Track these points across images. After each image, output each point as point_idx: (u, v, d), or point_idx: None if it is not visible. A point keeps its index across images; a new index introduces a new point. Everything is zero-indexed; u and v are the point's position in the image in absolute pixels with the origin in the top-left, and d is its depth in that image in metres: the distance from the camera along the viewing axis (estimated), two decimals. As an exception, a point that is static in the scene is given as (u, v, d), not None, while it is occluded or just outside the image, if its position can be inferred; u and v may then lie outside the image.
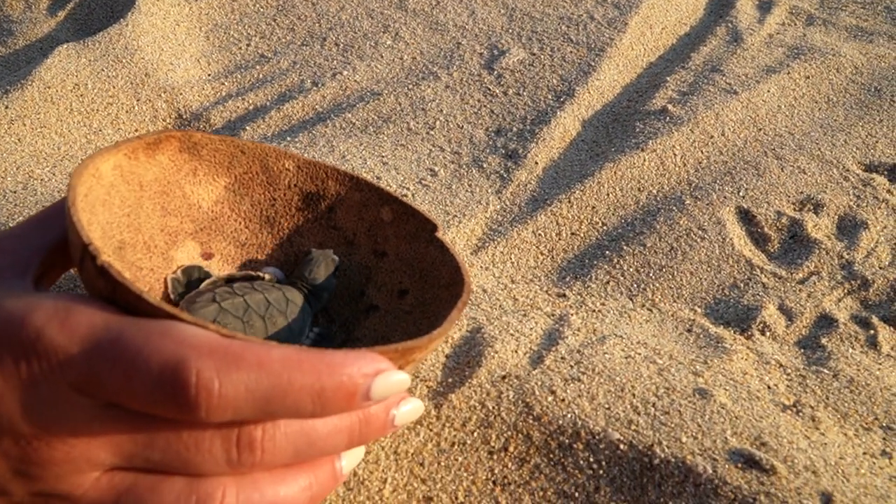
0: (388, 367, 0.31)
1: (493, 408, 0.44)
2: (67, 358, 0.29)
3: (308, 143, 0.70)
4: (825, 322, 0.55)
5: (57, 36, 0.88)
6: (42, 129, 0.71)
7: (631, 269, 0.59)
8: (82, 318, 0.30)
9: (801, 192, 0.65)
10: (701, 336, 0.54)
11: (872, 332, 0.55)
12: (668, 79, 0.79)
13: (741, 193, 0.65)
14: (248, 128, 0.74)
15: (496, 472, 0.42)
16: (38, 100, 0.73)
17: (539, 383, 0.45)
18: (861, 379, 0.50)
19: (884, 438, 0.47)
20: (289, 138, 0.71)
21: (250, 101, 0.77)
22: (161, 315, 0.30)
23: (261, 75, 0.81)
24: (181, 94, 0.77)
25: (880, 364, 0.52)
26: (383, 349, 0.32)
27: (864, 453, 0.45)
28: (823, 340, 0.54)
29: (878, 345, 0.54)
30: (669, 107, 0.73)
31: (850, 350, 0.53)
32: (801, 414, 0.47)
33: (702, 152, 0.69)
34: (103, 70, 0.77)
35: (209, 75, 0.81)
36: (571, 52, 0.83)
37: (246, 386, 0.28)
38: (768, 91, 0.77)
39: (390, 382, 0.31)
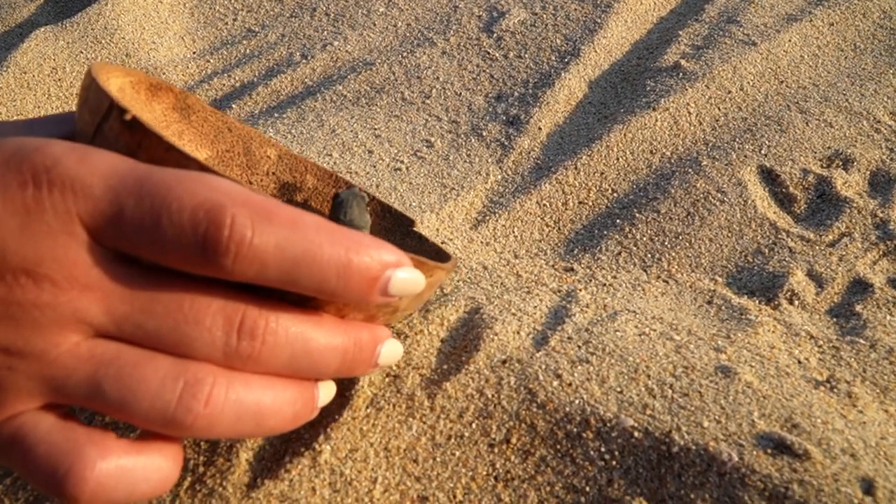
0: (409, 263, 0.31)
1: (493, 396, 0.40)
2: (86, 189, 0.27)
3: (296, 118, 0.66)
4: (859, 287, 0.51)
5: (37, 20, 0.85)
6: (18, 116, 0.68)
7: (644, 238, 0.55)
8: (104, 157, 0.28)
9: (829, 148, 0.60)
10: (722, 308, 0.49)
11: (912, 296, 0.50)
12: (681, 33, 0.73)
13: (763, 151, 0.60)
14: (234, 105, 0.70)
15: (498, 466, 0.38)
16: (14, 86, 0.70)
17: (543, 367, 0.41)
18: (902, 348, 0.46)
19: (930, 414, 0.42)
20: (276, 115, 0.67)
21: (237, 78, 0.73)
22: (192, 167, 0.28)
23: (248, 50, 0.77)
24: (164, 73, 0.73)
25: (923, 331, 0.47)
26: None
27: (909, 432, 0.40)
28: (858, 307, 0.49)
29: (919, 310, 0.49)
30: (682, 62, 0.68)
31: (888, 317, 0.48)
32: (835, 390, 0.42)
33: (719, 109, 0.64)
34: (82, 52, 0.74)
35: (194, 53, 0.77)
36: (576, 9, 0.77)
37: (277, 242, 0.27)
38: (789, 41, 0.71)
39: (408, 278, 0.30)
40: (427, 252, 0.43)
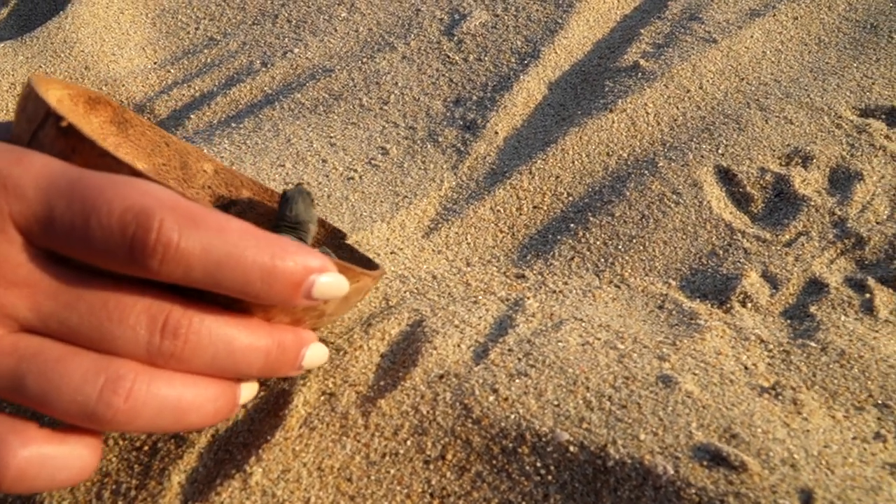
0: (333, 269, 0.32)
1: (428, 412, 0.39)
2: (18, 189, 0.28)
3: (253, 128, 0.66)
4: (815, 288, 0.50)
5: (0, 35, 0.84)
6: (-25, 133, 0.68)
7: (598, 243, 0.54)
8: (38, 159, 0.29)
9: (788, 145, 0.59)
10: (673, 313, 0.48)
11: (868, 295, 0.49)
12: (643, 31, 0.72)
13: (720, 151, 0.59)
14: (193, 116, 0.69)
15: (433, 483, 0.38)
16: (-29, 103, 0.69)
17: (481, 381, 0.41)
18: (853, 351, 0.45)
19: (878, 418, 0.41)
20: (234, 124, 0.67)
21: (196, 88, 0.73)
22: (125, 173, 0.29)
23: (208, 59, 0.76)
24: (124, 85, 0.73)
25: (877, 332, 0.47)
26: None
27: (854, 438, 0.40)
28: (812, 309, 0.48)
29: (874, 309, 0.48)
30: (641, 61, 0.67)
31: (843, 318, 0.48)
32: (780, 397, 0.41)
33: (677, 108, 0.63)
34: (41, 66, 0.73)
35: (155, 63, 0.77)
36: (538, 10, 0.76)
37: (203, 246, 0.28)
38: (752, 37, 0.70)
39: (332, 282, 0.31)
40: (358, 262, 0.44)
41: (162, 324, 0.29)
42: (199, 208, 0.29)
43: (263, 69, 0.73)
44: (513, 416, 0.39)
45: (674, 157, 0.58)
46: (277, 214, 0.45)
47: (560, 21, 0.74)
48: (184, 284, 0.29)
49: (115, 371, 0.29)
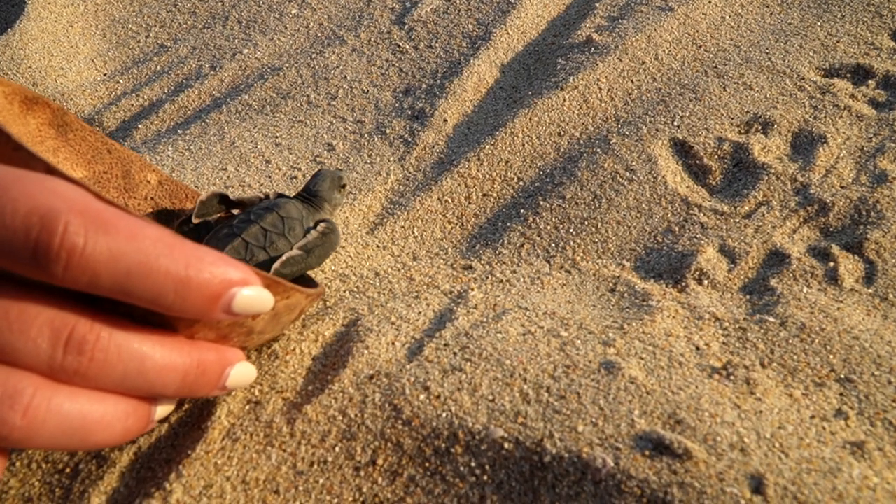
0: (256, 282, 0.30)
1: (356, 416, 0.37)
2: None
3: (199, 133, 0.64)
4: (775, 260, 0.47)
5: (-48, 56, 0.83)
6: (-81, 157, 0.66)
7: (548, 227, 0.51)
8: None
9: (747, 112, 0.56)
10: (625, 295, 0.46)
11: (832, 264, 0.46)
12: (598, 5, 0.70)
13: (676, 123, 0.56)
14: (141, 125, 0.67)
15: (365, 490, 0.36)
16: (-85, 127, 0.68)
17: (412, 380, 0.38)
18: (815, 324, 0.42)
19: (840, 394, 0.39)
20: (180, 131, 0.65)
21: (145, 97, 0.71)
22: (39, 168, 0.28)
23: (158, 67, 0.75)
24: (72, 99, 0.71)
25: (841, 302, 0.44)
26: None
27: (813, 417, 0.37)
28: (773, 282, 0.46)
29: (838, 279, 0.45)
30: (594, 36, 0.65)
31: (805, 289, 0.45)
32: (732, 377, 0.39)
33: (632, 82, 0.60)
34: (-13, 85, 0.72)
35: (104, 75, 0.75)
36: (490, -9, 0.74)
37: (111, 252, 0.26)
38: (709, 2, 0.67)
39: (254, 296, 0.30)
40: (297, 281, 0.42)
41: (66, 338, 0.28)
42: (112, 212, 0.27)
43: (212, 73, 0.71)
44: (444, 415, 0.37)
45: (627, 133, 0.56)
46: (304, 186, 0.45)
47: (513, 0, 0.71)
48: (91, 293, 0.27)
49: (13, 386, 0.27)
